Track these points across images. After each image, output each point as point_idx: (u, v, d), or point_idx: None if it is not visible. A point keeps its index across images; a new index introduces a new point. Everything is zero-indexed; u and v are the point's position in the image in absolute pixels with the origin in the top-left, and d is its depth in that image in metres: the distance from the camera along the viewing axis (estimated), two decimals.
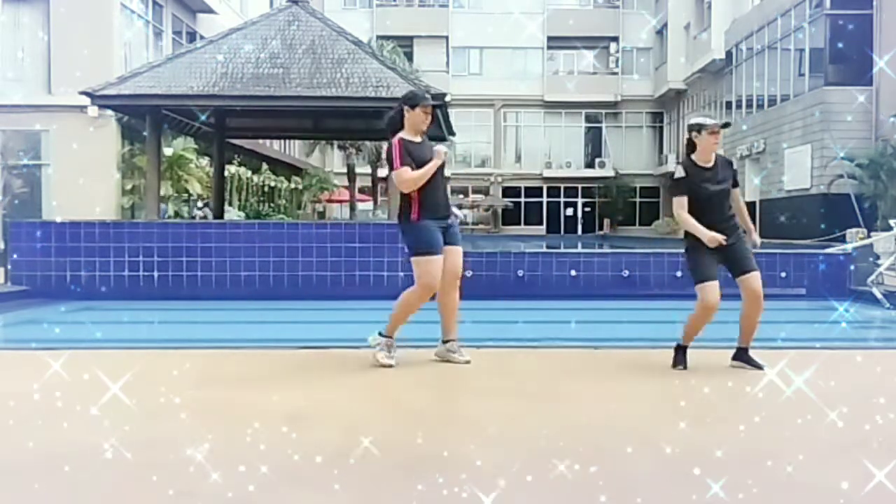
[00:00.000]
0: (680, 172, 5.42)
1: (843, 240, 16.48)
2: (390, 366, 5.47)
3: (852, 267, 11.13)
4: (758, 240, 5.57)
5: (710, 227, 5.28)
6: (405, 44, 39.65)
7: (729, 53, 31.67)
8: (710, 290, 5.30)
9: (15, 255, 10.72)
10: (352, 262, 10.69)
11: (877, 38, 23.33)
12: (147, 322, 8.80)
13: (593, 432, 4.03)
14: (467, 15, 43.39)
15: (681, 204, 5.38)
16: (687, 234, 5.48)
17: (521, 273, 10.84)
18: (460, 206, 42.57)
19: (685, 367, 5.46)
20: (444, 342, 5.72)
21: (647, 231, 37.97)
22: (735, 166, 5.73)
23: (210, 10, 26.35)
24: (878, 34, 23.37)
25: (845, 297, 10.27)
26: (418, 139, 5.62)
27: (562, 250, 13.85)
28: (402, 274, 10.79)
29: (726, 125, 5.59)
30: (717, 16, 33.69)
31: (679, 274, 10.03)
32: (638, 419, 4.27)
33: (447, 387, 5.10)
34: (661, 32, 41.60)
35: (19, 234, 10.91)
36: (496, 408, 4.50)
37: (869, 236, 15.48)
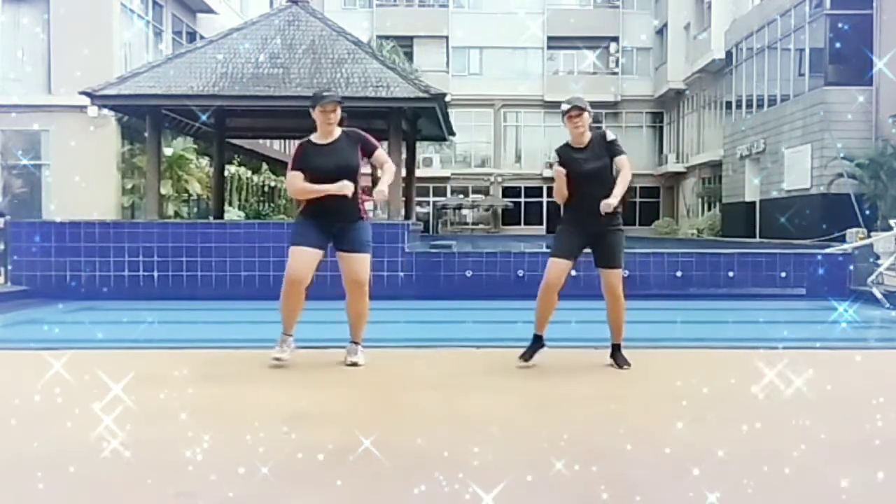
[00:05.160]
0: (554, 157, 5.79)
1: (842, 240, 16.47)
2: (279, 360, 5.54)
3: (852, 267, 11.13)
4: (613, 201, 5.51)
5: (585, 205, 5.57)
6: (405, 44, 39.61)
7: (729, 53, 31.65)
8: (553, 266, 5.61)
9: (15, 256, 10.73)
10: None
11: (877, 38, 23.31)
12: (147, 322, 8.79)
13: (593, 432, 4.03)
14: (467, 15, 43.34)
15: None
16: (562, 213, 5.78)
17: (521, 273, 10.84)
18: (459, 207, 42.58)
19: (529, 361, 5.58)
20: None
21: (646, 231, 37.90)
22: (617, 141, 5.76)
23: (210, 10, 26.34)
24: (878, 34, 23.35)
25: (845, 297, 10.27)
26: (326, 140, 5.59)
27: None
28: (401, 274, 10.80)
29: (574, 108, 5.77)
30: (717, 16, 33.67)
31: (679, 274, 10.04)
32: (638, 419, 4.27)
33: (447, 387, 5.10)
34: (661, 32, 41.57)
35: (19, 234, 10.92)
36: (496, 408, 4.50)
37: (869, 236, 15.48)
